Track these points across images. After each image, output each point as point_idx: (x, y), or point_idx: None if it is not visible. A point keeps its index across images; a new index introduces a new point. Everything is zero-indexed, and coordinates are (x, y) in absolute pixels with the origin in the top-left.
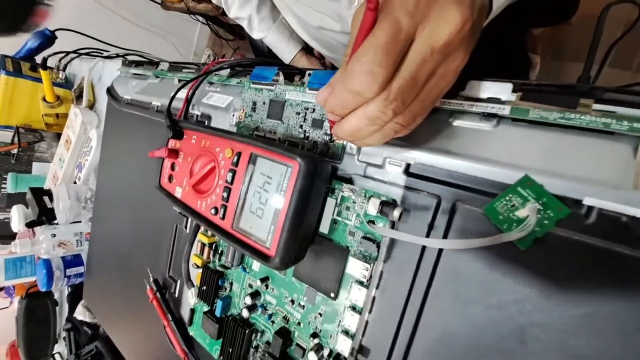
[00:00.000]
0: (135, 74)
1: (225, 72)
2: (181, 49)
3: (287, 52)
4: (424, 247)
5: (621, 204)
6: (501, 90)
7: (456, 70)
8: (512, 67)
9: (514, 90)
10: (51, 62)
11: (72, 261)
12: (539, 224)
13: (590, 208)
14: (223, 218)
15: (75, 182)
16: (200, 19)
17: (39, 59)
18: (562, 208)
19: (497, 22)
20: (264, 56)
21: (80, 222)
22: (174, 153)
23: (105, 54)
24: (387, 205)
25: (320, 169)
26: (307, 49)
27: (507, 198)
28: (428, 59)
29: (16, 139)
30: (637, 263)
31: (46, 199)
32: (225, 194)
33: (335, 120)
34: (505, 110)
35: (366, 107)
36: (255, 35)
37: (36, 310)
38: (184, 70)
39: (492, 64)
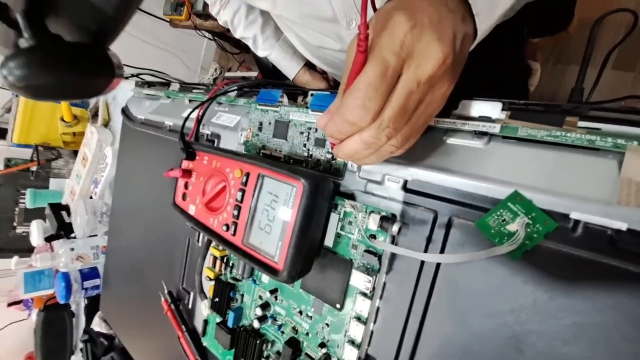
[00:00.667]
0: (148, 94)
1: (233, 93)
2: (189, 64)
3: (290, 69)
4: (423, 260)
5: (606, 217)
6: (491, 109)
7: (443, 97)
8: (512, 76)
9: (503, 109)
10: None
11: (89, 274)
12: (528, 238)
13: (577, 222)
14: (234, 234)
15: (91, 197)
16: (207, 34)
17: None
18: (550, 222)
19: (494, 35)
20: (268, 71)
21: (96, 235)
22: (187, 173)
23: None
24: (386, 220)
25: (323, 187)
26: (310, 65)
27: (498, 213)
28: (415, 90)
29: (35, 156)
30: (623, 274)
31: (64, 213)
32: (235, 212)
33: (335, 143)
34: (496, 129)
35: (361, 134)
36: (260, 53)
37: (54, 322)
38: (194, 90)
39: (491, 74)
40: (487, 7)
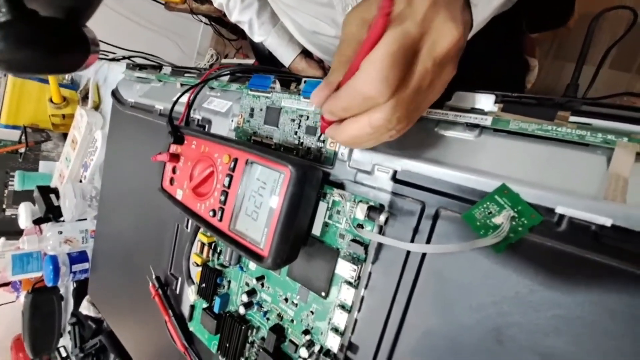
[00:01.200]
0: (139, 77)
1: (226, 78)
2: (184, 49)
3: (286, 56)
4: (409, 250)
5: (591, 213)
6: (484, 101)
7: (446, 82)
8: (508, 71)
9: (496, 102)
10: None
11: (77, 257)
12: (513, 231)
13: (561, 216)
14: (220, 220)
15: (80, 181)
16: (203, 19)
17: None
18: (535, 215)
19: (492, 29)
20: (265, 57)
21: (85, 219)
22: (175, 157)
23: (111, 56)
24: (373, 210)
25: (311, 175)
26: (306, 53)
27: (485, 205)
28: (429, 70)
29: (24, 138)
30: (605, 269)
31: (53, 196)
32: (222, 197)
33: (331, 121)
34: (487, 121)
35: (371, 115)
36: (256, 38)
37: (42, 304)
38: (186, 74)
39: (488, 69)
40: (483, 1)
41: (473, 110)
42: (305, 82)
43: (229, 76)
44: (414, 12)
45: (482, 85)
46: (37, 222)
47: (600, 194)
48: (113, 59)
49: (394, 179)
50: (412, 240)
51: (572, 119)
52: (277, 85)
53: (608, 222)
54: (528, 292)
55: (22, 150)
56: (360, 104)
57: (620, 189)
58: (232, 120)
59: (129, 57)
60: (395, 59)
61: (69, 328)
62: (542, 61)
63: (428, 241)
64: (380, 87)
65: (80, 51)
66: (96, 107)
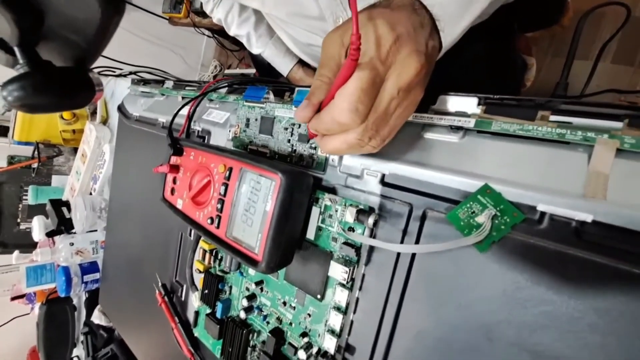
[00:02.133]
0: (143, 91)
1: (224, 90)
2: (189, 61)
3: (284, 66)
4: (399, 252)
5: (571, 209)
6: (467, 104)
7: (416, 102)
8: (503, 71)
9: (479, 104)
10: None
11: (88, 268)
12: (495, 229)
13: (543, 214)
14: (218, 227)
15: (90, 193)
16: (206, 32)
17: None
18: (517, 214)
19: (484, 31)
20: (264, 68)
21: (95, 230)
22: (175, 168)
23: (118, 72)
24: (362, 213)
25: (301, 181)
26: (303, 62)
27: (468, 205)
28: (395, 96)
29: (36, 153)
30: (587, 265)
31: (64, 209)
32: (219, 205)
33: (316, 135)
34: (471, 123)
35: (346, 135)
36: (254, 50)
37: (56, 315)
38: (187, 88)
39: (484, 71)
40: (450, 23)
41: (457, 114)
42: (297, 91)
43: (226, 88)
44: (380, 51)
45: (476, 87)
46: (50, 234)
47: (581, 191)
48: (120, 75)
49: (383, 182)
50: (402, 242)
51: (553, 118)
52: (271, 96)
53: (589, 218)
54: (514, 289)
55: (35, 165)
56: (337, 128)
57: (601, 186)
58: (229, 131)
59: (135, 73)
60: (363, 92)
61: (81, 338)
62: (541, 59)
63: (417, 242)
64: (351, 116)
65: (88, 92)
66: (104, 122)
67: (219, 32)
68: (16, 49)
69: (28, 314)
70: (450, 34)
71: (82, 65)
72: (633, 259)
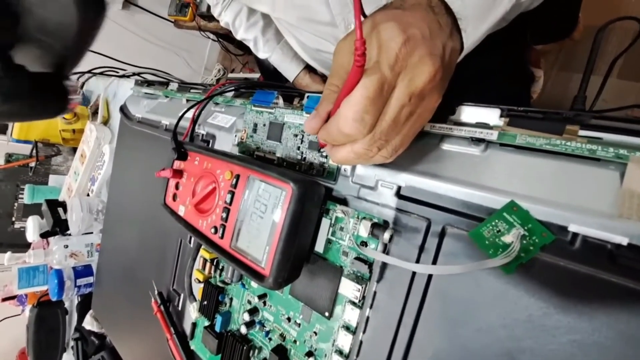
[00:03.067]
0: (146, 93)
1: (230, 94)
2: (193, 64)
3: (290, 71)
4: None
5: (606, 231)
6: (489, 115)
7: (431, 109)
8: (513, 82)
9: (502, 116)
10: None
11: (82, 271)
12: (523, 250)
13: (575, 235)
14: (222, 237)
15: (88, 195)
16: (211, 36)
17: None
18: (546, 234)
19: (495, 41)
20: (270, 73)
21: (91, 233)
22: (178, 173)
23: (121, 72)
24: (377, 227)
25: (313, 192)
26: (309, 68)
27: (493, 223)
28: (406, 103)
29: (35, 152)
30: (622, 291)
31: (60, 210)
32: (224, 214)
33: (325, 145)
34: (493, 135)
35: (353, 145)
36: (261, 55)
37: (47, 318)
38: (192, 90)
39: (492, 80)
40: (473, 23)
41: (478, 125)
42: (307, 97)
43: (233, 92)
44: (388, 56)
45: (486, 98)
46: (44, 235)
47: (614, 211)
48: (123, 76)
49: (398, 194)
50: (418, 259)
51: (582, 132)
52: (280, 101)
53: (624, 241)
54: (541, 315)
55: (33, 164)
56: (343, 139)
57: (636, 207)
58: (235, 136)
59: (138, 74)
60: (369, 101)
61: (72, 343)
62: (548, 72)
63: (435, 260)
64: (356, 126)
65: (61, 102)
66: (105, 122)
67: (223, 36)
68: None
69: (19, 315)
70: (472, 35)
71: (60, 72)
72: None
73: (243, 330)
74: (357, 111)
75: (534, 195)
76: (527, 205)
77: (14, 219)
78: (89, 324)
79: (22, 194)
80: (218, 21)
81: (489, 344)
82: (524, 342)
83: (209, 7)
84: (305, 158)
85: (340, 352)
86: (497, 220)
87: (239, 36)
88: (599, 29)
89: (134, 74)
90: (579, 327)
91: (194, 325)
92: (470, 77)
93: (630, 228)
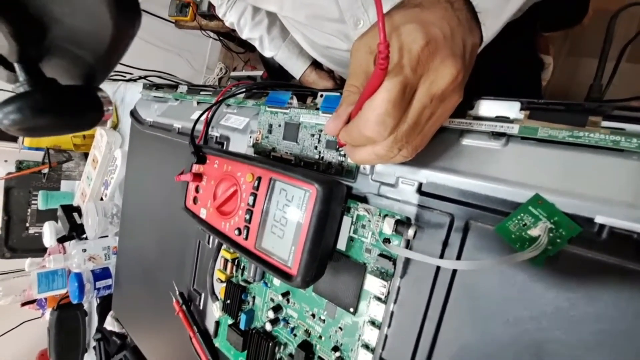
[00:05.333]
0: (156, 96)
1: (242, 95)
2: (194, 64)
3: (296, 68)
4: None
5: (633, 222)
6: (509, 108)
7: (452, 108)
8: (524, 70)
9: (521, 109)
10: None
11: (100, 274)
12: (551, 243)
13: (602, 226)
14: (246, 238)
15: (102, 199)
16: (212, 35)
17: None
18: (573, 226)
19: (505, 31)
20: (275, 70)
21: (107, 236)
22: (198, 177)
23: (128, 76)
24: (401, 224)
25: (336, 192)
26: (316, 64)
27: (519, 217)
28: (428, 105)
29: (47, 159)
30: None
31: (75, 215)
32: (247, 216)
33: (344, 144)
34: (514, 129)
35: (374, 147)
36: (267, 53)
37: (67, 321)
38: (201, 92)
39: (503, 70)
40: (492, 15)
41: (497, 119)
42: (322, 96)
43: (244, 93)
44: (410, 59)
45: (498, 86)
46: (61, 240)
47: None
48: (129, 80)
49: (420, 191)
50: (442, 254)
51: (604, 124)
52: (295, 101)
53: None
54: (569, 306)
55: (45, 170)
56: (364, 141)
57: None
58: (250, 137)
59: (144, 77)
60: (392, 104)
61: (93, 344)
62: (557, 58)
63: (459, 255)
64: (378, 129)
65: (96, 113)
66: (115, 127)
67: (224, 35)
68: (16, 66)
69: (38, 318)
70: (491, 27)
71: (91, 83)
72: None
73: (268, 327)
74: (380, 114)
75: (559, 187)
76: (552, 198)
77: (27, 224)
78: (110, 324)
79: (35, 200)
80: (219, 20)
81: (517, 335)
82: (552, 333)
83: (209, 6)
84: (323, 157)
85: (366, 347)
86: (522, 214)
87: (244, 35)
88: (612, 16)
89: (140, 78)
90: (606, 316)
91: (217, 323)
92: (481, 66)
93: None
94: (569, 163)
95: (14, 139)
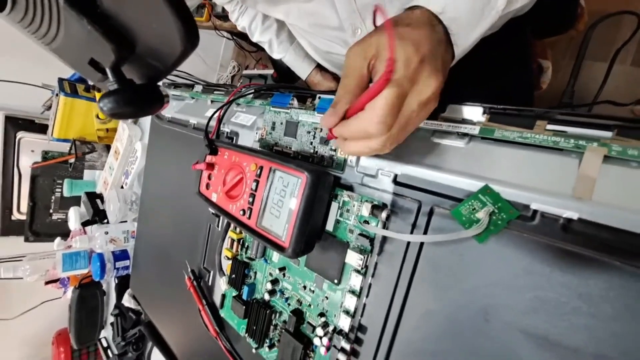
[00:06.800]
0: (174, 95)
1: (251, 95)
2: (208, 62)
3: (302, 70)
4: (409, 243)
5: (560, 208)
6: (474, 112)
7: (429, 112)
8: (518, 76)
9: (484, 113)
10: None
11: (120, 255)
12: (493, 224)
13: (535, 211)
14: (249, 218)
15: (122, 187)
16: (226, 34)
17: None
18: (512, 211)
19: (495, 35)
20: (283, 71)
21: (126, 221)
22: (210, 166)
23: None
24: (377, 208)
25: (324, 179)
26: (321, 66)
27: (470, 203)
28: (415, 110)
29: (73, 150)
30: (574, 256)
31: (98, 201)
32: (251, 199)
33: (335, 137)
34: (476, 130)
35: (369, 141)
36: (275, 56)
37: (87, 299)
38: (215, 92)
39: (497, 75)
40: (463, 36)
41: (464, 121)
42: (319, 98)
43: (253, 94)
44: (407, 72)
45: (486, 88)
46: (85, 224)
47: (571, 192)
48: None
49: (395, 181)
50: (411, 234)
51: (549, 127)
52: (295, 102)
53: (575, 216)
54: (511, 277)
55: (72, 160)
56: (363, 136)
57: (588, 188)
58: (256, 133)
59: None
60: (390, 107)
61: (111, 319)
62: (559, 61)
63: (424, 234)
64: (380, 127)
65: (160, 103)
66: (135, 121)
67: (238, 35)
68: (108, 70)
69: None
70: (462, 46)
71: (155, 82)
72: (613, 252)
73: (266, 297)
74: (381, 115)
75: (505, 179)
76: (499, 188)
77: (51, 210)
78: (127, 301)
79: (59, 187)
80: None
81: (469, 302)
82: (497, 299)
83: (223, 8)
84: (317, 152)
85: (347, 312)
86: (473, 201)
87: (254, 39)
88: (590, 26)
89: None
90: (540, 285)
91: (224, 296)
92: (471, 68)
93: (581, 206)
94: (516, 159)
95: (42, 131)
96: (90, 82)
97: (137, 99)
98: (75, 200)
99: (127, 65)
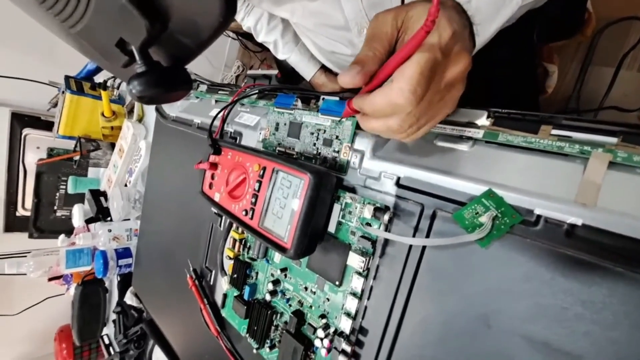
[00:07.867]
0: None
1: (255, 96)
2: (213, 61)
3: (307, 71)
4: (411, 246)
5: (564, 213)
6: (478, 116)
7: (456, 98)
8: (521, 77)
9: (488, 117)
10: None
11: (122, 253)
12: (496, 228)
13: (539, 216)
14: (252, 218)
15: (126, 185)
16: (231, 34)
17: (97, 79)
18: (516, 216)
19: (502, 37)
20: (287, 71)
21: (129, 219)
22: (214, 166)
23: None
24: (379, 210)
25: (326, 181)
26: (325, 67)
27: (473, 207)
28: (440, 89)
29: (78, 147)
30: (577, 262)
31: (102, 199)
32: (253, 200)
33: (356, 110)
34: (480, 134)
35: (388, 119)
36: (280, 56)
37: (90, 295)
38: (219, 92)
39: (500, 75)
40: (483, 28)
41: (468, 125)
42: (323, 99)
43: (257, 94)
44: (441, 41)
45: (492, 91)
46: (89, 221)
47: (575, 198)
48: None
49: (398, 184)
50: (413, 237)
51: (554, 132)
52: (299, 104)
53: (579, 222)
54: (511, 282)
55: (77, 157)
56: (388, 110)
57: (593, 194)
58: (260, 133)
59: None
60: (423, 76)
61: (113, 316)
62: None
63: (427, 237)
64: (410, 97)
65: (188, 85)
66: (140, 120)
67: (242, 34)
68: (135, 51)
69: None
70: (482, 36)
71: (183, 64)
72: (616, 259)
73: (267, 298)
74: (413, 84)
75: (509, 184)
76: (502, 192)
77: (55, 207)
78: (129, 299)
79: (63, 184)
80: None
81: (470, 307)
82: (498, 305)
83: None
84: (320, 153)
85: (348, 314)
86: (476, 205)
87: (260, 39)
88: (597, 32)
89: None
90: (542, 292)
91: (225, 296)
92: (477, 70)
93: (585, 212)
94: (520, 164)
95: (48, 128)
96: (109, 72)
97: (167, 80)
98: (80, 198)
99: (155, 47)
